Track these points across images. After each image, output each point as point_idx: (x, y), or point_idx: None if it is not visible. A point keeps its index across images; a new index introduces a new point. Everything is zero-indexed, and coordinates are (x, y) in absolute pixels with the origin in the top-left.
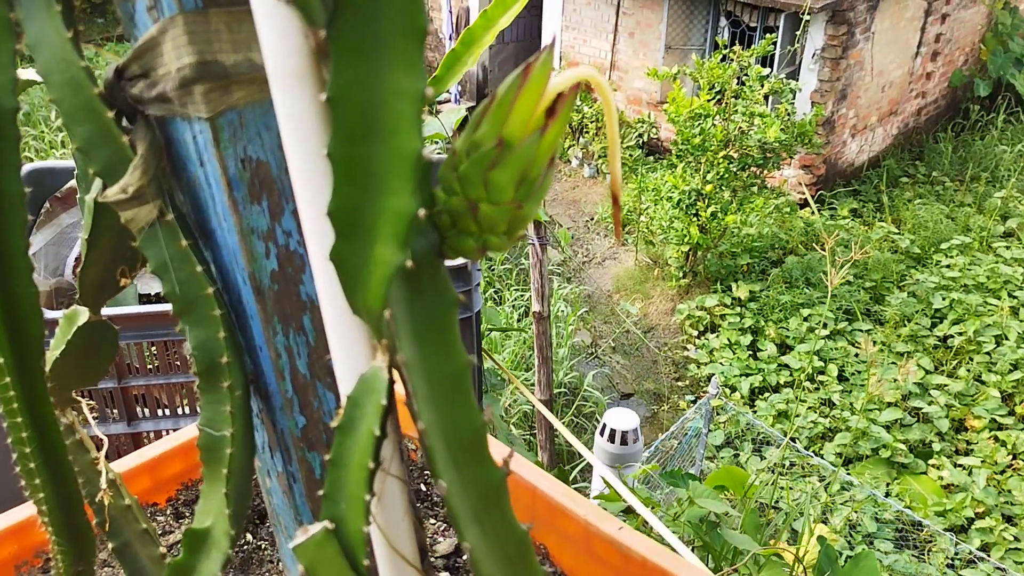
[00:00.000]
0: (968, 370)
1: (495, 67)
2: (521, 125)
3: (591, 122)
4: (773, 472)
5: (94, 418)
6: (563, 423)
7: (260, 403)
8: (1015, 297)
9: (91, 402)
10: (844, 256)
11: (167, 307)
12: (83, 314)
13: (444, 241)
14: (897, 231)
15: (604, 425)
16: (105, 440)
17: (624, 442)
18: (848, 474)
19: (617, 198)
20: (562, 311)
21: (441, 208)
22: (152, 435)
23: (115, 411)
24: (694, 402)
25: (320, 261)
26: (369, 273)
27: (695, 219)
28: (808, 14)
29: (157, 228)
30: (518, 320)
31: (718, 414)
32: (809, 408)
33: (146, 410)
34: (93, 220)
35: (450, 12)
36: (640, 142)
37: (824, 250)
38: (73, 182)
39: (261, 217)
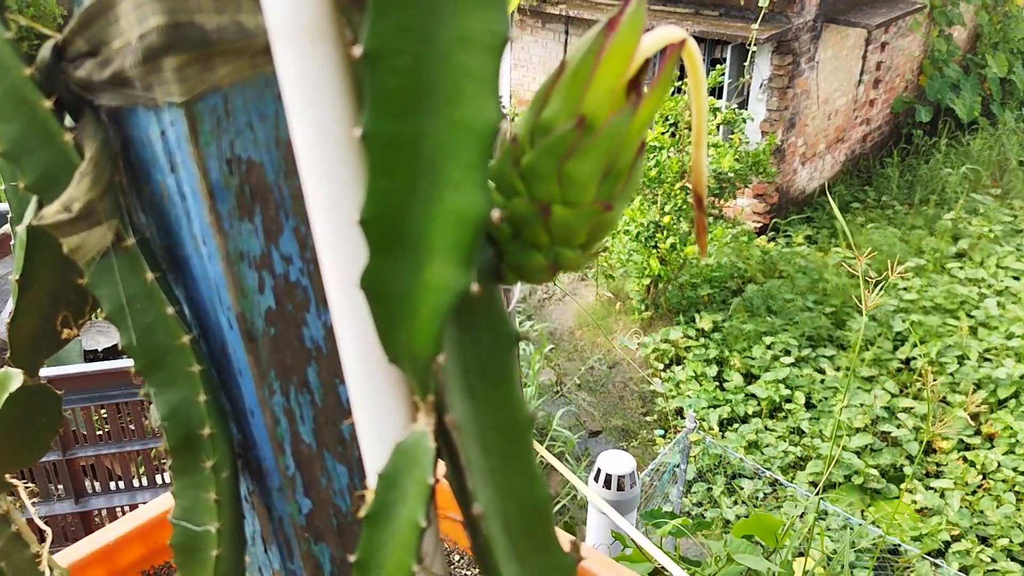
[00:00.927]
0: (933, 391)
1: None
2: (605, 99)
3: None
4: (747, 504)
5: (33, 503)
6: None
7: (251, 483)
8: (973, 317)
9: (29, 484)
10: (802, 283)
11: (120, 363)
12: (16, 377)
13: (502, 258)
14: (853, 256)
15: (599, 470)
16: (49, 532)
17: (620, 487)
18: (824, 501)
19: (701, 200)
20: (524, 349)
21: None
22: (104, 513)
23: (60, 487)
24: (664, 436)
25: (341, 290)
26: (417, 304)
27: (654, 251)
28: (754, 45)
29: (112, 258)
30: None
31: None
32: (779, 437)
33: (96, 484)
34: (27, 254)
35: None
36: None
37: (782, 277)
38: (7, 227)
39: (253, 238)
